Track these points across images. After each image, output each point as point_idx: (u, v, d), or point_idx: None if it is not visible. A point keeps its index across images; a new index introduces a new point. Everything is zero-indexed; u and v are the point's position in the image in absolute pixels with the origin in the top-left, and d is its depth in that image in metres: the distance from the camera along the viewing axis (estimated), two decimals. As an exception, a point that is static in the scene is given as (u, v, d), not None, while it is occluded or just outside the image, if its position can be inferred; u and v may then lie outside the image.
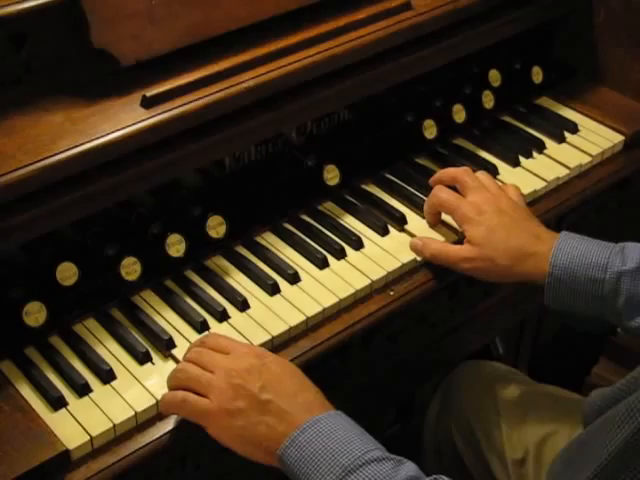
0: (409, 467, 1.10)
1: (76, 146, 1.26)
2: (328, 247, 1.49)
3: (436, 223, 1.57)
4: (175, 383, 1.22)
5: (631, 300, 1.35)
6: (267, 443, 1.14)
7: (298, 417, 1.14)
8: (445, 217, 1.56)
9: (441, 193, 1.53)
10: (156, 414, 1.24)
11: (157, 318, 1.37)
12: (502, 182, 1.64)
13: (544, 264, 1.40)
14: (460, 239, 1.52)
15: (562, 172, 1.70)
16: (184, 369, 1.21)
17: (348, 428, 1.14)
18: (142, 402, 1.24)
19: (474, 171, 1.57)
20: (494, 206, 1.48)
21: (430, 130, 1.72)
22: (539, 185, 1.66)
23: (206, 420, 1.18)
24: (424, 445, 1.78)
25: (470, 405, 1.65)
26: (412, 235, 1.54)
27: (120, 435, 1.21)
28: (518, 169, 1.71)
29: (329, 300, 1.40)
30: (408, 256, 1.49)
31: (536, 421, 1.54)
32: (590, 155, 1.75)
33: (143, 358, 1.30)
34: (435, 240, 1.52)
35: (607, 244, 1.40)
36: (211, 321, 1.36)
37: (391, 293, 1.45)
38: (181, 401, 1.20)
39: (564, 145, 1.79)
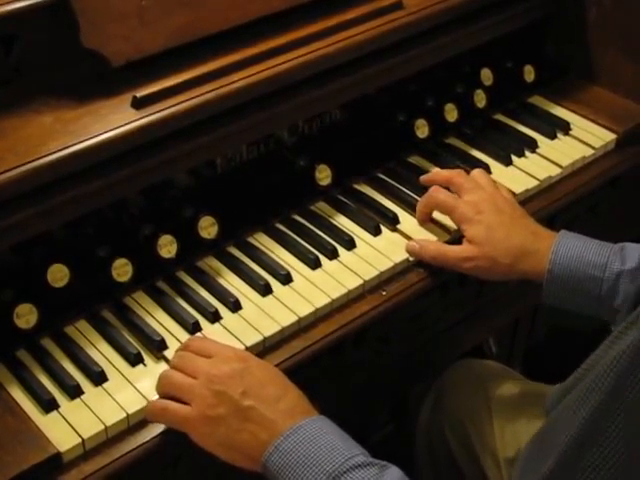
0: (393, 472, 1.10)
1: (67, 147, 1.26)
2: (320, 247, 1.49)
3: (427, 221, 1.56)
4: (159, 390, 1.23)
5: (628, 300, 1.35)
6: (250, 451, 1.14)
7: (280, 424, 1.13)
8: (437, 215, 1.56)
9: (438, 194, 1.53)
10: (148, 416, 1.24)
11: (149, 319, 1.36)
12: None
13: (544, 262, 1.41)
14: (453, 238, 1.52)
15: (554, 171, 1.70)
16: (166, 376, 1.21)
17: (332, 433, 1.13)
18: (134, 404, 1.23)
19: (469, 170, 1.57)
20: (492, 205, 1.48)
21: (422, 129, 1.72)
22: (531, 184, 1.66)
23: (188, 428, 1.18)
24: (417, 445, 1.78)
25: (462, 404, 1.65)
26: (404, 235, 1.54)
27: (112, 437, 1.21)
28: (510, 168, 1.71)
29: (321, 300, 1.39)
30: (400, 256, 1.49)
31: (529, 419, 1.54)
32: (582, 154, 1.75)
33: (135, 360, 1.29)
34: (432, 242, 1.52)
35: (606, 244, 1.41)
36: (203, 322, 1.36)
37: (383, 293, 1.44)
38: (161, 409, 1.20)
39: (556, 144, 1.79)
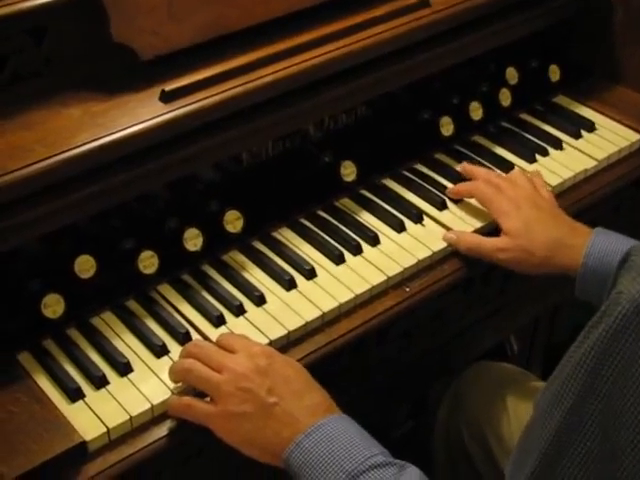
0: (412, 472, 1.10)
1: (95, 140, 1.26)
2: (344, 243, 1.50)
3: (454, 197, 1.61)
4: (183, 381, 1.24)
5: None
6: (272, 447, 1.15)
7: (303, 421, 1.14)
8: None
9: (481, 185, 1.56)
10: (173, 407, 1.25)
11: (174, 312, 1.37)
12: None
13: (579, 256, 1.42)
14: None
15: (579, 170, 1.70)
16: (192, 368, 1.21)
17: (352, 432, 1.14)
18: (158, 395, 1.24)
19: (493, 169, 1.59)
20: (530, 202, 1.51)
21: (447, 127, 1.72)
22: (555, 183, 1.66)
23: (212, 424, 1.19)
24: (435, 443, 1.78)
25: (481, 405, 1.65)
26: (429, 232, 1.54)
27: (137, 427, 1.22)
28: (535, 166, 1.71)
29: (345, 295, 1.40)
30: (424, 253, 1.49)
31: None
32: (607, 154, 1.75)
33: (160, 351, 1.30)
34: (469, 233, 1.53)
35: None
36: (227, 315, 1.37)
37: (407, 289, 1.45)
38: (186, 406, 1.21)
39: (581, 143, 1.79)
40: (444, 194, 1.62)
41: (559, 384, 0.99)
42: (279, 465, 1.16)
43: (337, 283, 1.43)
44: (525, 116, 1.86)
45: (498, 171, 1.67)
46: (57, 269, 1.33)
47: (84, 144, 1.25)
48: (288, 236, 1.52)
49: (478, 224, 1.56)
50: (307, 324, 1.36)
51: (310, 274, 1.44)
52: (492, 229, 1.54)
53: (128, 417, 1.21)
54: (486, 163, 1.70)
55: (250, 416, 1.16)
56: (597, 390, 0.95)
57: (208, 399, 1.21)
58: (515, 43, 1.79)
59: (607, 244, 1.42)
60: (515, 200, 1.51)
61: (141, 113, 1.32)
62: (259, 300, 1.39)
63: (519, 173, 1.60)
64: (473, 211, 1.59)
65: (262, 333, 1.33)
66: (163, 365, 1.28)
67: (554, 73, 1.89)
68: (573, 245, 1.44)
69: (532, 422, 1.05)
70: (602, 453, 0.95)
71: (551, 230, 1.46)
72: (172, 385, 1.25)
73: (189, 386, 1.24)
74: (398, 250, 1.50)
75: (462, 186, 1.60)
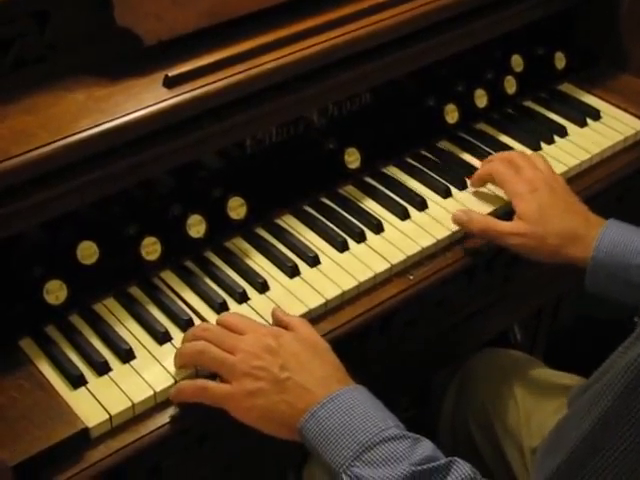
0: (426, 446, 1.11)
1: (98, 125, 1.26)
2: (348, 230, 1.49)
3: (479, 187, 1.60)
4: (195, 363, 1.24)
5: None
6: (288, 420, 1.15)
7: (317, 392, 1.15)
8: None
9: (498, 164, 1.55)
10: (175, 394, 1.25)
11: (177, 298, 1.37)
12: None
13: (590, 248, 1.41)
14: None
15: (584, 158, 1.70)
16: (207, 350, 1.22)
17: (367, 403, 1.14)
18: (161, 381, 1.24)
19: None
20: (547, 186, 1.49)
21: (452, 115, 1.71)
22: (560, 171, 1.65)
23: (228, 404, 1.19)
24: (440, 436, 1.78)
25: (487, 392, 1.65)
26: (433, 219, 1.53)
27: (139, 414, 1.22)
28: (540, 154, 1.70)
29: (349, 283, 1.40)
30: (428, 240, 1.49)
31: (554, 409, 1.54)
32: (612, 142, 1.74)
33: (162, 338, 1.30)
34: (480, 214, 1.52)
35: None
36: (230, 302, 1.36)
37: (411, 277, 1.44)
38: (202, 389, 1.21)
39: (586, 131, 1.78)
40: (448, 182, 1.61)
41: (601, 385, 0.98)
42: (296, 439, 1.16)
43: (340, 270, 1.42)
44: (530, 104, 1.86)
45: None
46: (60, 255, 1.32)
47: (87, 129, 1.25)
48: (291, 223, 1.51)
49: (485, 212, 1.55)
50: (310, 311, 1.35)
51: (313, 261, 1.43)
52: (497, 217, 1.53)
53: (130, 404, 1.21)
54: (490, 151, 1.69)
55: (265, 392, 1.17)
56: (631, 406, 0.94)
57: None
58: (521, 30, 1.78)
59: (618, 235, 1.41)
60: (532, 182, 1.49)
61: (145, 98, 1.31)
62: (262, 287, 1.38)
63: (539, 156, 1.59)
64: (478, 199, 1.58)
65: (265, 320, 1.33)
66: (166, 352, 1.28)
67: (560, 61, 1.88)
68: (585, 236, 1.43)
69: (567, 419, 1.05)
70: (624, 468, 0.95)
71: (565, 219, 1.45)
72: (174, 371, 1.25)
73: (192, 373, 1.24)
74: (402, 238, 1.49)
75: (481, 169, 1.59)
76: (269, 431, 1.18)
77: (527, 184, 1.49)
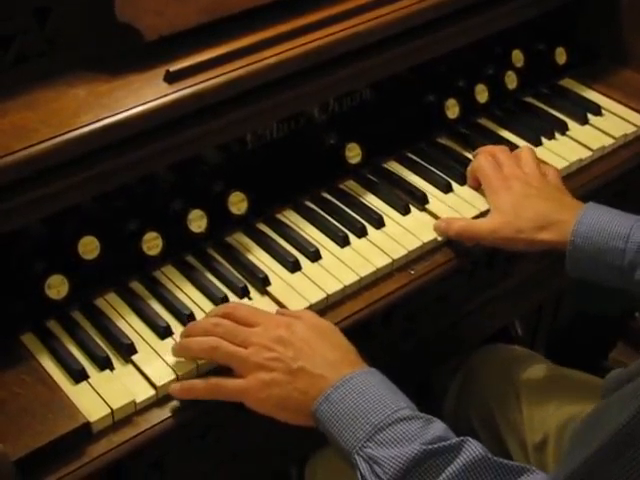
0: (438, 426, 1.12)
1: (99, 120, 1.26)
2: (349, 225, 1.49)
3: (476, 187, 1.60)
4: (208, 358, 1.24)
5: None
6: (303, 406, 1.17)
7: (329, 377, 1.17)
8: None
9: (482, 158, 1.57)
10: (177, 388, 1.25)
11: (178, 293, 1.37)
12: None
13: (568, 232, 1.40)
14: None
15: (584, 154, 1.70)
16: (220, 346, 1.22)
17: (380, 386, 1.16)
18: (162, 376, 1.24)
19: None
20: (522, 181, 1.50)
21: (452, 110, 1.71)
22: (561, 166, 1.65)
23: (244, 397, 1.21)
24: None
25: (490, 388, 1.65)
26: (433, 215, 1.54)
27: (141, 409, 1.22)
28: (540, 150, 1.70)
29: (350, 278, 1.40)
30: (429, 235, 1.49)
31: (556, 404, 1.54)
32: (613, 137, 1.74)
33: (164, 332, 1.30)
34: (458, 218, 1.52)
35: (631, 215, 1.40)
36: (232, 297, 1.36)
37: (412, 272, 1.45)
38: (215, 385, 1.22)
39: (587, 127, 1.78)
40: (449, 177, 1.61)
41: None
42: (310, 424, 1.18)
43: (342, 265, 1.42)
44: (531, 99, 1.86)
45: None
46: (61, 250, 1.32)
47: (88, 124, 1.25)
48: (292, 218, 1.51)
49: (484, 207, 1.55)
50: (311, 306, 1.35)
51: (314, 256, 1.43)
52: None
53: (132, 398, 1.21)
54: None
55: (279, 382, 1.18)
56: None
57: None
58: (521, 25, 1.78)
59: (596, 218, 1.40)
60: (506, 179, 1.51)
61: (145, 94, 1.31)
62: (263, 282, 1.38)
63: (528, 151, 1.59)
64: (478, 194, 1.58)
65: (266, 315, 1.33)
66: (167, 347, 1.28)
67: (560, 56, 1.88)
68: (561, 220, 1.42)
69: (606, 408, 1.04)
70: None
71: (537, 205, 1.45)
72: (176, 366, 1.25)
73: (193, 368, 1.24)
74: (403, 233, 1.49)
75: (470, 165, 1.60)
76: (285, 419, 1.20)
77: (503, 180, 1.51)
